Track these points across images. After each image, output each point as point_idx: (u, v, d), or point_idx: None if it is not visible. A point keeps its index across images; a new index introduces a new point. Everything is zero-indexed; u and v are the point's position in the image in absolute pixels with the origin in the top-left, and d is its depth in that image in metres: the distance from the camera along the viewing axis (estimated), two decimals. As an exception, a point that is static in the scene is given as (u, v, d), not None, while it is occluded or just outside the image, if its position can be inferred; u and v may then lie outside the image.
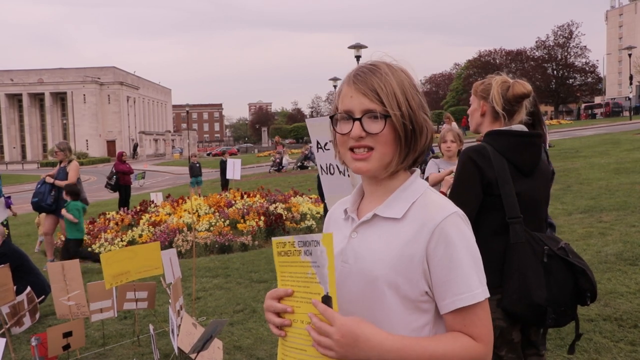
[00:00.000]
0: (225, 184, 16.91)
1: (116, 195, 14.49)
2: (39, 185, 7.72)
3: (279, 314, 1.13)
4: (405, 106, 1.13)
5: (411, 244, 1.12)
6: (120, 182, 13.98)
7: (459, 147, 4.72)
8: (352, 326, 1.04)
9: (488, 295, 1.11)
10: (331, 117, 1.21)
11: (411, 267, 1.11)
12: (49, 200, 7.59)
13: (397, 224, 1.15)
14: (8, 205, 7.61)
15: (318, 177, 6.80)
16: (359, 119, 1.13)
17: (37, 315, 4.19)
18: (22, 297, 3.95)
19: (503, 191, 2.10)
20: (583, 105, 66.14)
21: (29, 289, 4.15)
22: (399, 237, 1.14)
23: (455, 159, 4.61)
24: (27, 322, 4.01)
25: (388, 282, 1.12)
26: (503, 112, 2.23)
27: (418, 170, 1.23)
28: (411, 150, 1.16)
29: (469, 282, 1.09)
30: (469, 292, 1.08)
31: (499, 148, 2.16)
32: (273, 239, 1.19)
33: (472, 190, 2.12)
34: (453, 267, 1.09)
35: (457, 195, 2.16)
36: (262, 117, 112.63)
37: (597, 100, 71.77)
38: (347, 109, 1.15)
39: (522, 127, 2.24)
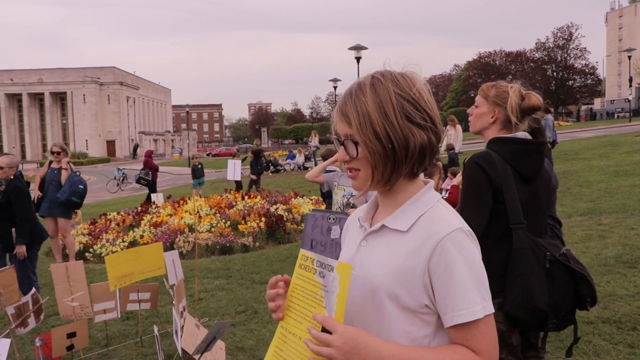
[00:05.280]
0: (239, 185, 16.58)
1: (116, 195, 14.73)
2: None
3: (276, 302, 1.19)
4: (380, 125, 1.14)
5: (413, 256, 1.13)
6: (153, 179, 14.81)
7: None
8: (353, 332, 1.06)
9: (491, 311, 1.12)
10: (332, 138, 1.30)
11: (412, 279, 1.13)
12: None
13: (402, 236, 1.17)
14: None
15: None
16: (342, 144, 1.21)
17: (42, 316, 4.22)
18: (27, 298, 3.98)
19: (507, 197, 2.12)
20: None
21: (33, 290, 4.19)
22: (402, 249, 1.16)
23: None
24: (32, 322, 4.04)
25: (388, 293, 1.14)
26: (516, 122, 2.25)
27: (431, 182, 1.25)
28: (397, 165, 1.17)
29: (468, 299, 1.10)
30: (467, 309, 1.09)
31: (504, 155, 2.18)
32: (301, 249, 1.21)
33: (485, 197, 2.14)
34: (453, 284, 1.10)
35: (471, 203, 2.16)
36: (261, 118, 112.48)
37: (597, 102, 71.47)
38: (336, 133, 1.24)
39: (526, 135, 2.27)
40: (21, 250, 5.60)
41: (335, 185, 4.37)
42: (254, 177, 16.22)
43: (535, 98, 2.25)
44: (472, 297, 1.10)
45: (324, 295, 1.09)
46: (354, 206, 4.21)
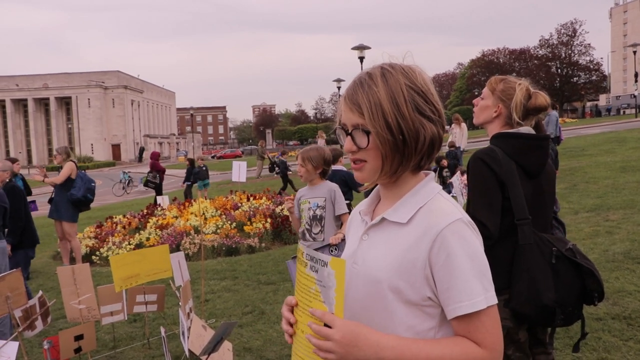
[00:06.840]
0: (285, 183, 16.57)
1: (122, 198, 14.77)
2: None
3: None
4: (392, 116, 1.13)
5: (414, 249, 1.13)
6: (161, 181, 15.04)
7: (319, 170, 3.96)
8: (351, 325, 1.06)
9: (494, 302, 1.10)
10: (334, 130, 1.26)
11: (413, 272, 1.12)
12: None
13: (402, 228, 1.17)
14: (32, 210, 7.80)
15: None
16: (350, 134, 1.18)
17: (49, 319, 4.23)
18: (34, 301, 3.99)
19: (512, 194, 2.10)
20: None
21: (40, 292, 4.20)
22: (403, 241, 1.15)
23: (316, 183, 4.00)
24: (39, 325, 4.04)
25: (390, 286, 1.14)
26: (519, 121, 2.23)
27: (432, 174, 1.24)
28: (406, 157, 1.16)
29: (469, 290, 1.09)
30: (469, 301, 1.08)
31: (508, 150, 2.17)
32: (298, 242, 1.22)
33: (494, 192, 2.12)
34: (454, 275, 1.09)
35: (480, 200, 2.13)
36: (266, 119, 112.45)
37: (602, 98, 70.91)
38: (342, 123, 1.21)
39: (530, 130, 2.25)
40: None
41: (300, 202, 4.10)
42: (185, 185, 15.76)
43: (542, 98, 2.23)
44: (473, 288, 1.09)
45: (320, 290, 1.07)
46: (321, 217, 4.02)
